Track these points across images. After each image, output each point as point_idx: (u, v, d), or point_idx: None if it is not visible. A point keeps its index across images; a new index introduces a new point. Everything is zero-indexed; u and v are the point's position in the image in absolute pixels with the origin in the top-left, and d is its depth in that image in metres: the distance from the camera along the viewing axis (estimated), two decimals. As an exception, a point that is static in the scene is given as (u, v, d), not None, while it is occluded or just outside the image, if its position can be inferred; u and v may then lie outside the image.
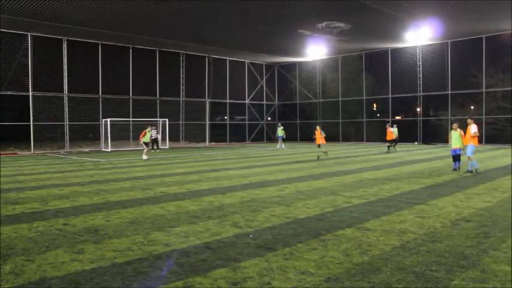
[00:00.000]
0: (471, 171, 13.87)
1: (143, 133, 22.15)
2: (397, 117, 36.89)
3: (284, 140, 31.78)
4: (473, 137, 13.65)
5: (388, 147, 25.41)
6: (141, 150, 29.53)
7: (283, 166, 17.39)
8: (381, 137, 35.83)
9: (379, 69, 36.47)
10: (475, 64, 30.92)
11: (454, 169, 14.60)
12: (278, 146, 31.33)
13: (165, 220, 7.58)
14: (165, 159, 22.21)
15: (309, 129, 42.70)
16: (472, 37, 30.59)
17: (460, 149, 14.41)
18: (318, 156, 21.33)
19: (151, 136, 30.14)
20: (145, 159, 21.43)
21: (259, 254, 5.52)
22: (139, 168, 17.08)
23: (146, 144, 22.28)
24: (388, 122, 28.71)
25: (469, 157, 13.80)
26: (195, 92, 37.15)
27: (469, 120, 14.04)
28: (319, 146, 22.75)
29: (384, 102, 36.98)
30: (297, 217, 7.70)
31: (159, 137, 30.17)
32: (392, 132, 25.43)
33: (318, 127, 23.36)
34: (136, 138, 31.70)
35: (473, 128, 13.64)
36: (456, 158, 14.59)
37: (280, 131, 31.48)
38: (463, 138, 14.16)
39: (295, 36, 29.92)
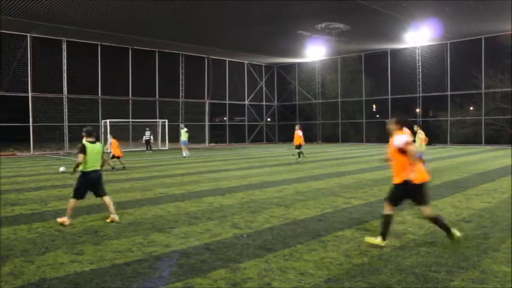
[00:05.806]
0: None
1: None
2: None
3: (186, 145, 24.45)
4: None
5: (299, 154, 20.10)
6: (140, 151, 29.68)
7: (283, 167, 17.39)
8: (381, 138, 35.94)
9: (379, 70, 36.41)
10: (475, 65, 30.87)
11: None
12: (184, 154, 23.83)
13: (164, 221, 7.57)
14: (164, 160, 22.19)
15: (308, 130, 42.73)
16: (472, 38, 30.56)
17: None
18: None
19: (144, 137, 29.99)
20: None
21: (259, 254, 5.52)
22: (139, 169, 17.07)
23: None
24: (297, 123, 22.70)
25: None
26: (194, 93, 37.13)
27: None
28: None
29: (383, 103, 36.99)
30: (297, 218, 7.70)
31: (152, 138, 29.83)
32: (301, 136, 20.13)
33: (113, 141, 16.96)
34: (135, 139, 31.71)
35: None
36: None
37: (183, 135, 24.20)
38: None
39: (295, 37, 29.91)
